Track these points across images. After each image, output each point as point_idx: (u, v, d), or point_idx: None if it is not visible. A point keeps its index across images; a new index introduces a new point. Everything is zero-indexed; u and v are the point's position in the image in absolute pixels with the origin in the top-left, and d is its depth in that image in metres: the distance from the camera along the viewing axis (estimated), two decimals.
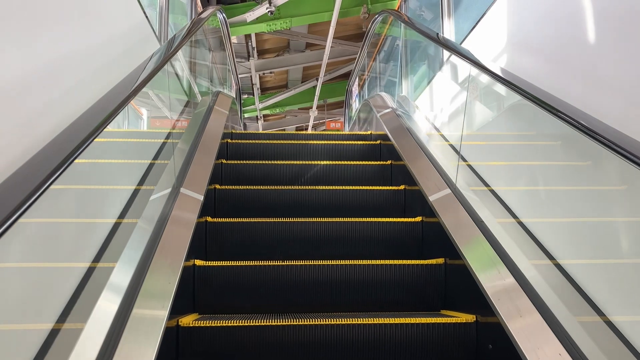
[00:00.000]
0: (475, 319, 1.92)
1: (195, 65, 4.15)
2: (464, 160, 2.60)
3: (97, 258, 1.66)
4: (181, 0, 5.08)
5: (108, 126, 1.54)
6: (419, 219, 2.77)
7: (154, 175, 2.35)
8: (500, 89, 2.44)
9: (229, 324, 1.92)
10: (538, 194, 2.22)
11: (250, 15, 9.24)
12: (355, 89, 5.90)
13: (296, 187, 3.16)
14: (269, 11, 8.94)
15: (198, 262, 2.31)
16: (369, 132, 4.37)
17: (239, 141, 3.98)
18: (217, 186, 3.15)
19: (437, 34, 3.17)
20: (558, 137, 2.01)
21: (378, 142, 3.99)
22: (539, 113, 1.81)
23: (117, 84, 1.96)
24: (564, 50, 2.65)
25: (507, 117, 2.61)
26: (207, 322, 1.91)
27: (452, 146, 2.98)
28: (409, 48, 4.17)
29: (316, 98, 13.16)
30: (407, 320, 1.95)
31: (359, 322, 1.94)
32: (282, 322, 1.92)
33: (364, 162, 3.62)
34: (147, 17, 3.99)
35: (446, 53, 3.47)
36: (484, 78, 2.56)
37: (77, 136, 1.38)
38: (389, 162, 3.59)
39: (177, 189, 2.51)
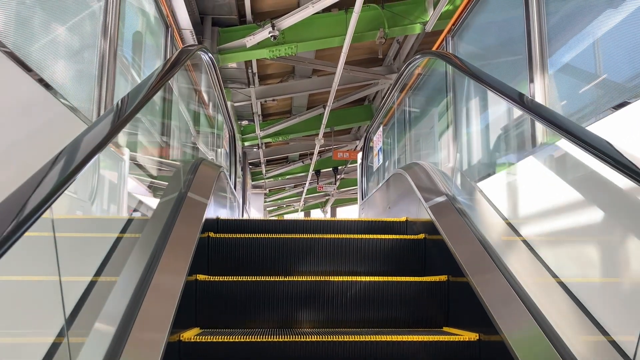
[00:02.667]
0: None
1: (166, 127, 2.96)
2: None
3: None
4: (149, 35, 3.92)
5: None
6: None
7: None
8: None
9: None
10: None
11: (250, 40, 8.08)
12: (377, 141, 4.72)
13: (315, 339, 1.99)
14: (272, 36, 7.78)
15: None
16: (403, 219, 3.17)
17: (226, 236, 2.80)
18: (185, 337, 1.96)
19: (547, 110, 1.95)
20: None
21: (422, 236, 2.80)
22: None
23: None
24: None
25: None
26: None
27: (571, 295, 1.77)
28: (471, 107, 2.99)
29: (323, 126, 11.97)
30: None
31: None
32: None
33: (407, 279, 2.43)
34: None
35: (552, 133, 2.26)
36: None
37: None
38: (444, 277, 2.40)
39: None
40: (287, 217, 25.97)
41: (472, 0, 3.20)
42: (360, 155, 7.61)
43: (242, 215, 14.22)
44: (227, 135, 5.04)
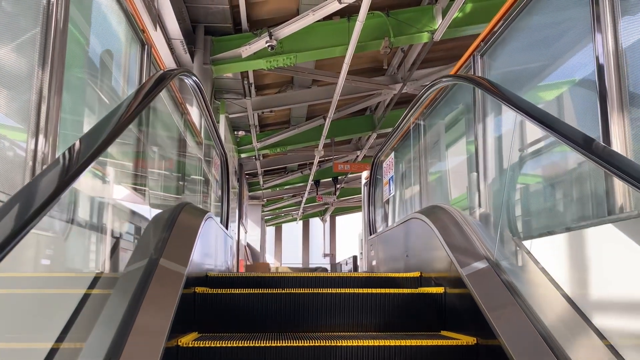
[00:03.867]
0: None
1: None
2: None
3: None
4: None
5: None
6: None
7: None
8: None
9: None
10: None
11: (246, 50, 7.52)
12: (388, 169, 4.13)
13: None
14: (269, 45, 7.23)
15: None
16: (416, 274, 2.63)
17: (215, 291, 2.25)
18: None
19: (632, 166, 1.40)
20: None
21: (442, 290, 2.25)
22: None
23: None
24: None
25: None
26: None
27: None
28: (513, 143, 2.44)
29: (323, 137, 11.41)
30: None
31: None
32: None
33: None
34: None
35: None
36: None
37: None
38: (473, 341, 1.84)
39: None
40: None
41: (510, 10, 2.65)
42: (365, 177, 7.04)
43: (239, 229, 13.63)
44: (219, 161, 4.48)
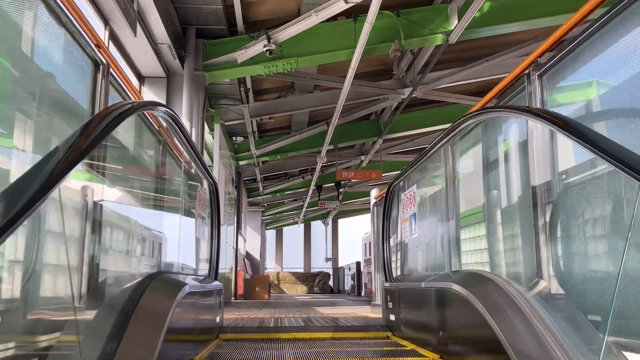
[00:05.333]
0: None
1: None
2: None
3: None
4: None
5: None
6: None
7: None
8: None
9: None
10: None
11: (242, 55, 6.83)
12: (409, 202, 3.39)
13: None
14: (267, 50, 6.53)
15: None
16: None
17: None
18: None
19: None
20: None
21: None
22: None
23: None
24: None
25: None
26: None
27: None
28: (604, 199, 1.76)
29: (326, 144, 10.72)
30: None
31: None
32: None
33: None
34: None
35: None
36: None
37: None
38: None
39: None
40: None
41: (588, 16, 1.96)
42: (374, 196, 6.35)
43: (237, 239, 12.95)
44: (208, 191, 3.80)
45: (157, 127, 3.07)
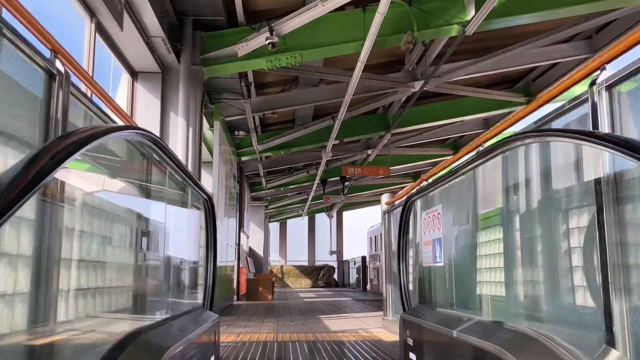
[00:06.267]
0: None
1: None
2: None
3: None
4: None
5: None
6: None
7: None
8: None
9: None
10: None
11: (242, 48, 6.35)
12: (430, 223, 2.93)
13: None
14: (269, 42, 6.04)
15: None
16: None
17: None
18: None
19: None
20: None
21: None
22: None
23: None
24: None
25: None
26: None
27: None
28: None
29: (331, 140, 10.25)
30: None
31: None
32: None
33: None
34: None
35: None
36: None
37: None
38: None
39: None
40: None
41: None
42: (385, 202, 5.87)
43: (240, 236, 12.54)
44: (203, 208, 3.36)
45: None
